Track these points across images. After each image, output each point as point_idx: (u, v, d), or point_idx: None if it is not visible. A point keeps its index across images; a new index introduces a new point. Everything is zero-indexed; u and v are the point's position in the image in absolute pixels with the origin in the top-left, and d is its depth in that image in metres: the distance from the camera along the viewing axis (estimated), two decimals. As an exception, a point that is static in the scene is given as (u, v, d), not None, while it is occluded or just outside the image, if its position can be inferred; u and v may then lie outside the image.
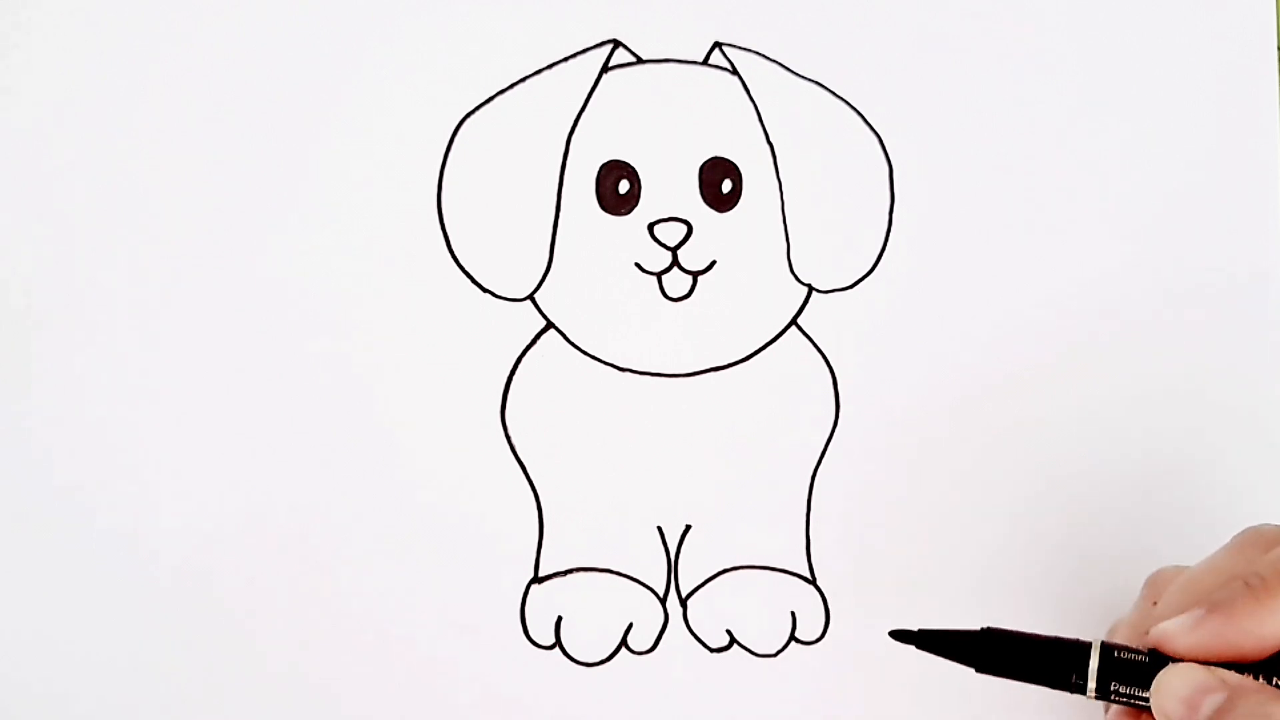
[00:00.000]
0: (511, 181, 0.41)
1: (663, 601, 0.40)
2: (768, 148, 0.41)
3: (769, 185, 0.41)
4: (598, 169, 0.41)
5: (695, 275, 0.41)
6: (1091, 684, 0.30)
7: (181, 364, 0.40)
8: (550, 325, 0.41)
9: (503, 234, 0.41)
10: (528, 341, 0.41)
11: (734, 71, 0.41)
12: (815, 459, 0.41)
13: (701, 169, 0.41)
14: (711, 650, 0.40)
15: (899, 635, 0.32)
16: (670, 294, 0.41)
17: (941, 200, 0.42)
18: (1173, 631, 0.30)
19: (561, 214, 0.41)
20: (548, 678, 0.40)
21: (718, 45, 0.41)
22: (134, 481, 0.40)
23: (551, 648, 0.40)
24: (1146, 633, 0.31)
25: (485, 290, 0.41)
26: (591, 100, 0.41)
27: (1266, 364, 0.42)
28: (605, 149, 0.41)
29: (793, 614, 0.40)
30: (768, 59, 0.41)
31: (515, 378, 0.40)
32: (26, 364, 0.40)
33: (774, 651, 0.40)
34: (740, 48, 0.41)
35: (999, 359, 0.41)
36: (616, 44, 0.41)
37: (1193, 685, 0.29)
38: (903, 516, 0.41)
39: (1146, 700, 0.30)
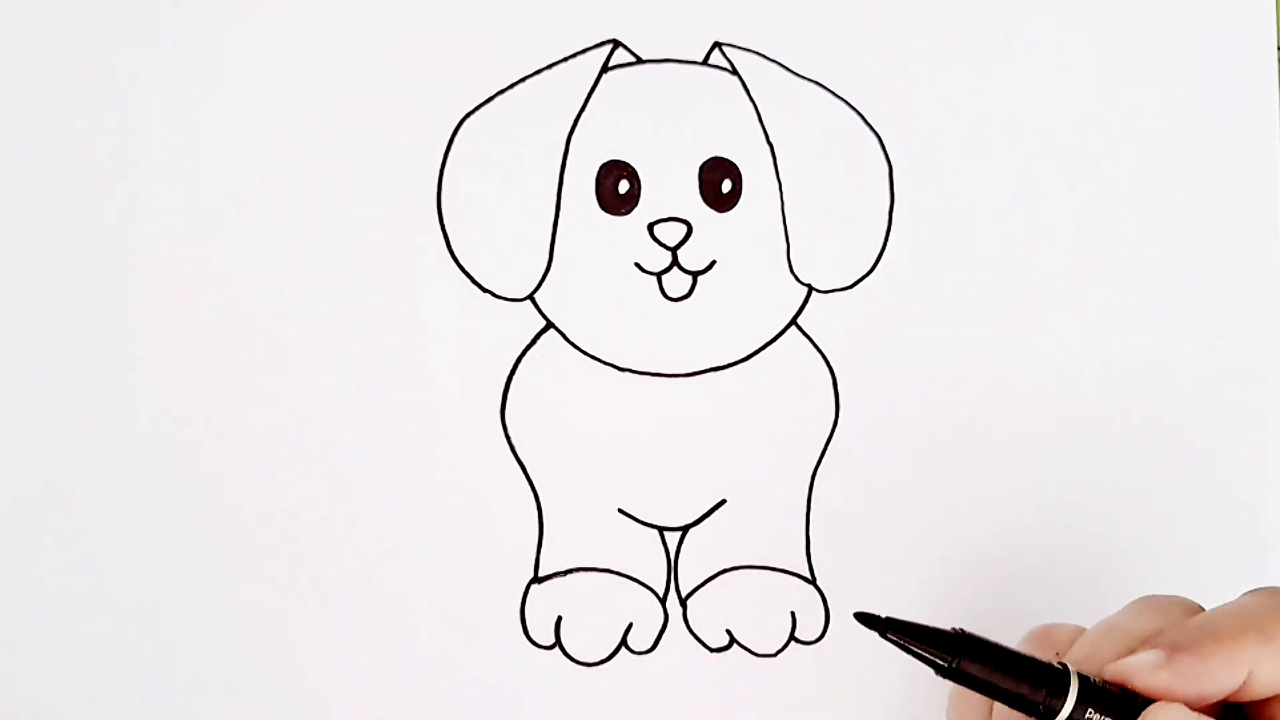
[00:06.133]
0: (511, 181, 0.41)
1: (663, 601, 0.40)
2: (768, 148, 0.41)
3: (769, 185, 0.41)
4: (598, 169, 0.41)
5: (695, 275, 0.41)
6: (1067, 710, 0.29)
7: (179, 363, 0.40)
8: (550, 325, 0.41)
9: (503, 234, 0.41)
10: (528, 341, 0.41)
11: (734, 71, 0.41)
12: (815, 459, 0.41)
13: (701, 169, 0.41)
14: (711, 650, 0.40)
15: (863, 618, 0.30)
16: (670, 294, 0.41)
17: (941, 200, 0.42)
18: (1141, 667, 0.29)
19: (561, 214, 0.41)
20: (548, 678, 0.40)
21: (718, 45, 0.41)
22: (132, 478, 0.40)
23: (551, 648, 0.40)
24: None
25: (485, 290, 0.41)
26: (591, 100, 0.41)
27: (1267, 364, 0.42)
28: (605, 149, 0.41)
29: (793, 614, 0.40)
30: (768, 59, 0.41)
31: (515, 378, 0.40)
32: (27, 361, 0.40)
33: (774, 651, 0.40)
34: (740, 48, 0.41)
35: (999, 359, 0.41)
36: (616, 44, 0.41)
37: None
38: (903, 516, 0.41)
39: None
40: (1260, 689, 0.29)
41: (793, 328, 0.41)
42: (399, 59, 0.41)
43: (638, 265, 0.41)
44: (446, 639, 0.40)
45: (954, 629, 0.30)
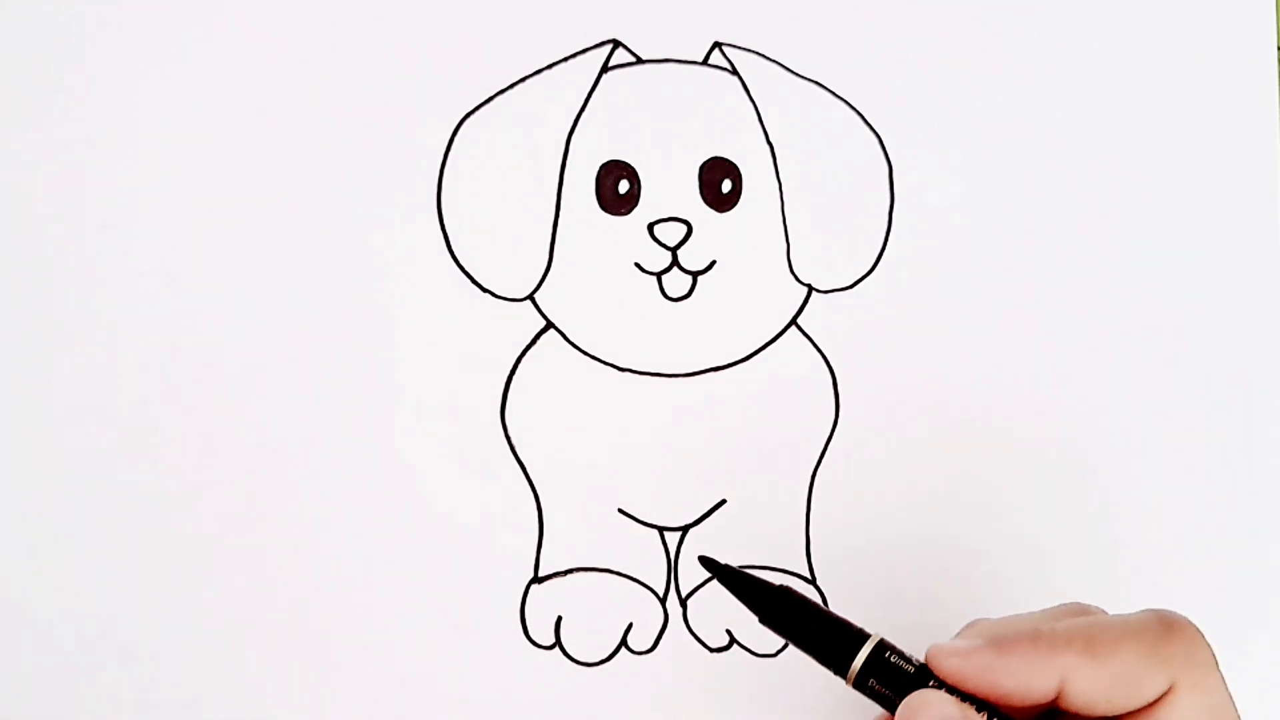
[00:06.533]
0: (511, 181, 0.41)
1: (663, 601, 0.40)
2: (768, 148, 0.41)
3: (769, 185, 0.41)
4: (598, 169, 0.41)
5: (695, 275, 0.41)
6: (852, 671, 0.30)
7: (179, 363, 0.40)
8: (550, 325, 0.41)
9: (503, 234, 0.41)
10: (528, 341, 0.41)
11: (734, 71, 0.41)
12: (815, 459, 0.41)
13: (701, 169, 0.41)
14: (711, 650, 0.40)
15: (706, 562, 0.32)
16: (670, 294, 0.41)
17: (941, 200, 0.42)
18: (945, 651, 0.29)
19: (561, 214, 0.41)
20: (548, 678, 0.40)
21: (718, 45, 0.41)
22: (133, 480, 0.40)
23: (551, 648, 0.40)
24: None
25: (485, 290, 0.41)
26: (591, 100, 0.41)
27: (1267, 363, 0.42)
28: (605, 149, 0.41)
29: (793, 614, 0.40)
30: (768, 59, 0.41)
31: (515, 378, 0.40)
32: (41, 360, 0.40)
33: (774, 651, 0.40)
34: (740, 48, 0.41)
35: (999, 359, 0.41)
36: (616, 44, 0.41)
37: (937, 714, 0.29)
38: (903, 516, 0.41)
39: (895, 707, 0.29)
40: (1078, 701, 0.28)
41: (793, 328, 0.41)
42: (399, 59, 0.41)
43: (638, 265, 0.41)
44: (447, 639, 0.40)
45: (780, 585, 0.32)
